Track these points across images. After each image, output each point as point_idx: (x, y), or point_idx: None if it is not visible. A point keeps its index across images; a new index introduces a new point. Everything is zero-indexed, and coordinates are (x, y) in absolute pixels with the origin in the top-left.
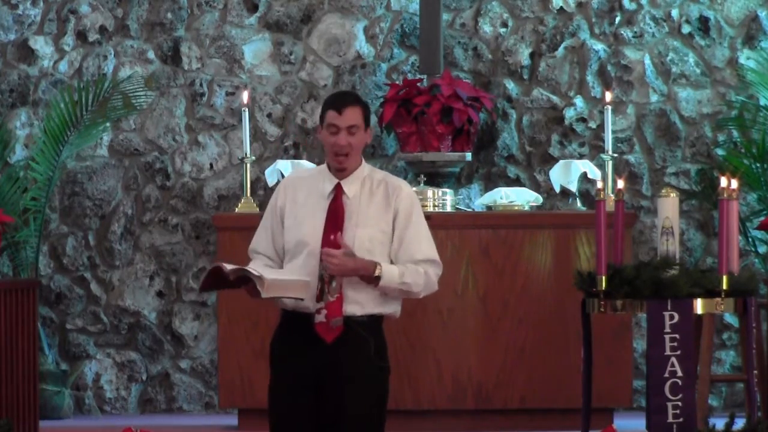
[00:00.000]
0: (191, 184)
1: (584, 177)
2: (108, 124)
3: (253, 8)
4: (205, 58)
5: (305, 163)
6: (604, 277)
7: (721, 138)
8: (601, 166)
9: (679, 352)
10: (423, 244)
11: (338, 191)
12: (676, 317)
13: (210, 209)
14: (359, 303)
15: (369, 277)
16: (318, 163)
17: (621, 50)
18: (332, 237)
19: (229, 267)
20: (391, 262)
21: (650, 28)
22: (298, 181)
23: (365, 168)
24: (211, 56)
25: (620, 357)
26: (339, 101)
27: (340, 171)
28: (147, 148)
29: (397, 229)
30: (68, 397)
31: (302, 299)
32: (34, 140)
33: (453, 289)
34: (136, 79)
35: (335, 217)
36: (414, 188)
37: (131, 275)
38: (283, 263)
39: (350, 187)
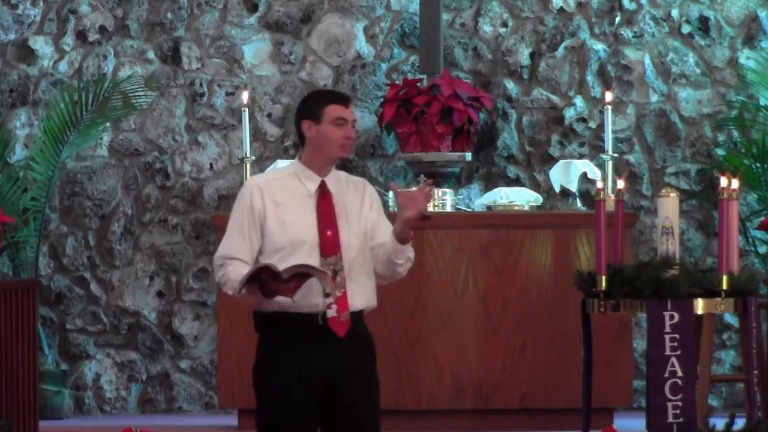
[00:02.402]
0: (191, 184)
1: (584, 177)
2: (108, 124)
3: (253, 8)
4: (205, 58)
5: None
6: (604, 277)
7: (721, 138)
8: (601, 166)
9: (679, 352)
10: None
11: (324, 189)
12: (676, 317)
13: (210, 209)
14: (358, 297)
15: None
16: None
17: (621, 50)
18: (329, 233)
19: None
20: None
21: (650, 28)
22: (271, 183)
23: None
24: (211, 56)
25: (620, 357)
26: (341, 96)
27: (341, 161)
28: (147, 148)
29: (372, 216)
30: (68, 397)
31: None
32: (34, 140)
33: (453, 289)
34: (136, 79)
35: (327, 215)
36: (414, 188)
37: (131, 275)
38: (272, 263)
39: (331, 184)
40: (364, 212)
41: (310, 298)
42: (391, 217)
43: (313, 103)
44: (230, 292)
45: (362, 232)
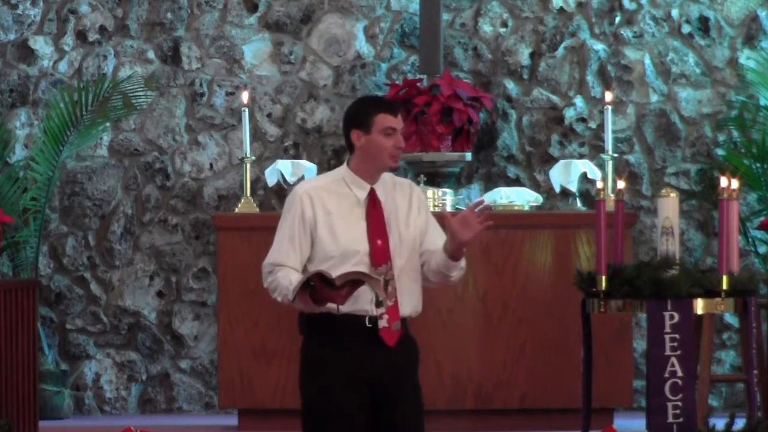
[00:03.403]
0: (191, 184)
1: (584, 177)
2: (108, 124)
3: (253, 8)
4: (205, 58)
5: (305, 164)
6: (604, 277)
7: (721, 138)
8: (601, 166)
9: (679, 352)
10: (442, 232)
11: (373, 196)
12: (676, 317)
13: (210, 209)
14: (406, 304)
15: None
16: (318, 163)
17: (621, 50)
18: (379, 242)
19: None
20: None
21: (650, 28)
22: (320, 191)
23: None
24: (211, 56)
25: (620, 357)
26: (390, 105)
27: (389, 171)
28: (147, 148)
29: (420, 221)
30: (68, 397)
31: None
32: (34, 140)
33: (453, 289)
34: (136, 79)
35: (377, 224)
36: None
37: (131, 275)
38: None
39: (380, 191)
40: (412, 217)
41: (359, 303)
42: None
43: (362, 112)
44: (279, 298)
45: (411, 238)
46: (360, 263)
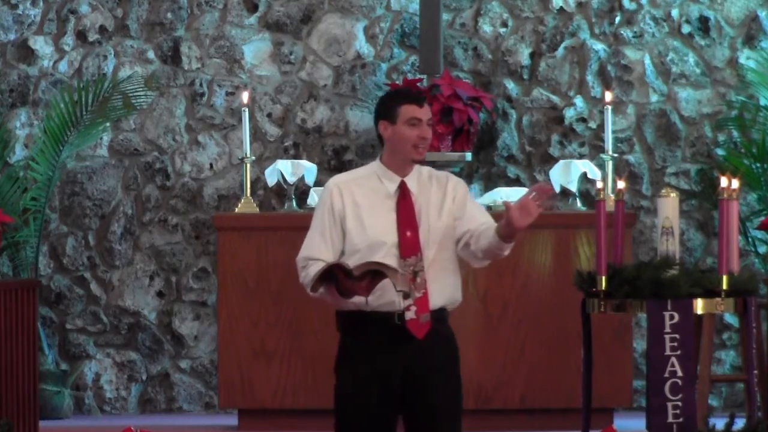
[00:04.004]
0: (191, 184)
1: (584, 177)
2: (108, 124)
3: (253, 8)
4: (205, 58)
5: (305, 164)
6: (604, 277)
7: (721, 138)
8: (601, 166)
9: (679, 352)
10: (485, 212)
11: (404, 188)
12: (676, 317)
13: (210, 209)
14: (438, 295)
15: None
16: (318, 163)
17: (621, 50)
18: (408, 234)
19: (350, 265)
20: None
21: (650, 28)
22: (350, 184)
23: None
24: (211, 56)
25: (620, 357)
26: (415, 95)
27: (415, 163)
28: (147, 148)
29: (458, 211)
30: (68, 397)
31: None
32: (34, 140)
33: None
34: (136, 79)
35: (407, 215)
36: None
37: (131, 275)
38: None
39: (411, 183)
40: (446, 207)
41: (387, 297)
42: None
43: (389, 104)
44: (311, 292)
45: (443, 228)
46: (388, 255)
